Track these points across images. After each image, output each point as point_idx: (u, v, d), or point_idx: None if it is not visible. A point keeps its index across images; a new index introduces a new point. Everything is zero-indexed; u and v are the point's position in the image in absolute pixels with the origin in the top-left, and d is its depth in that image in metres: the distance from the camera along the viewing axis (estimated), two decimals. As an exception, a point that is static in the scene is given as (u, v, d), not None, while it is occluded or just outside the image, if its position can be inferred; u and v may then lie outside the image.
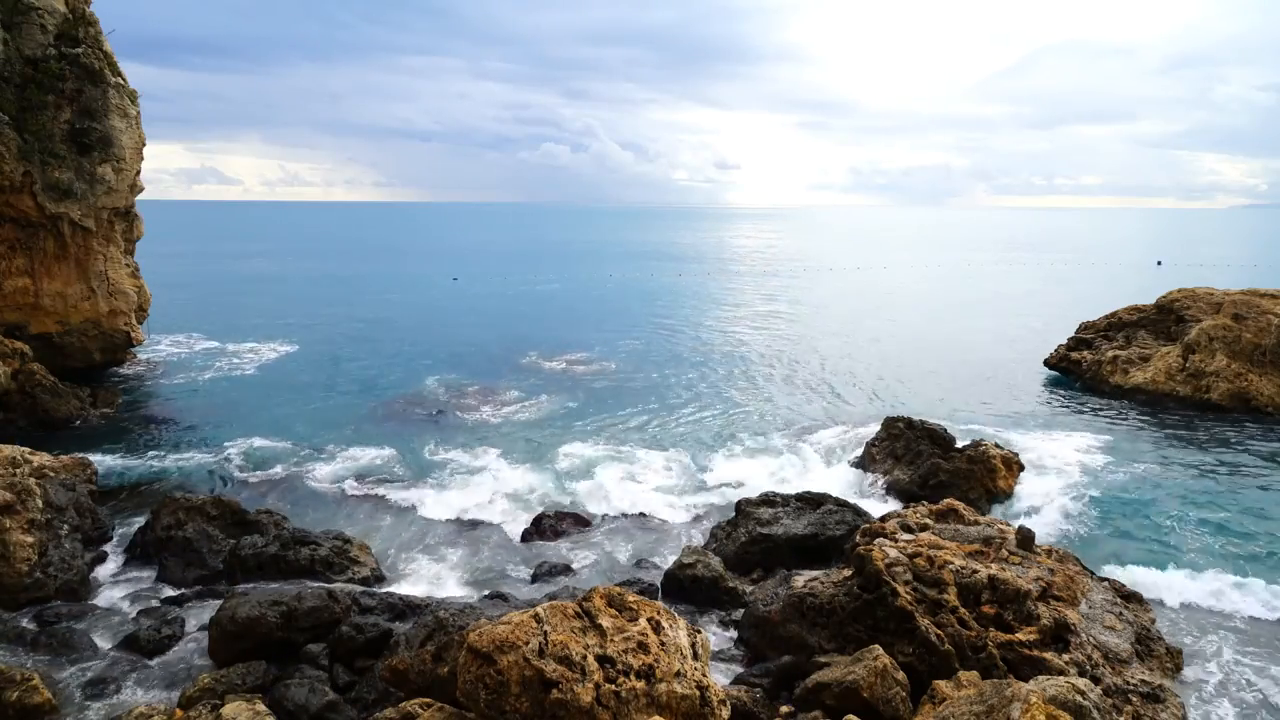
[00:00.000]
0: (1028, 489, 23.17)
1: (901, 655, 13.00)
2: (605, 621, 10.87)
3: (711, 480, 24.82)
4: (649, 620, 11.03)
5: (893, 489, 23.34)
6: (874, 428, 26.69)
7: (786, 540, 19.00)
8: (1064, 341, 39.64)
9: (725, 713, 10.79)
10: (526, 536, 21.14)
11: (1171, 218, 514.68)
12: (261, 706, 12.00)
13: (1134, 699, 12.30)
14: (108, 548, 19.62)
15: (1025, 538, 15.80)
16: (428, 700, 11.31)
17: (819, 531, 19.15)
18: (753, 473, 25.14)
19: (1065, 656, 12.80)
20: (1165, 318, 36.93)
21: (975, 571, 14.08)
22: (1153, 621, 15.15)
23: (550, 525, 21.52)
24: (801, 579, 15.31)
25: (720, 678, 13.60)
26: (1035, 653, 12.78)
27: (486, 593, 17.46)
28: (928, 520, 17.01)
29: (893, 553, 14.46)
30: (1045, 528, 20.37)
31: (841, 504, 20.29)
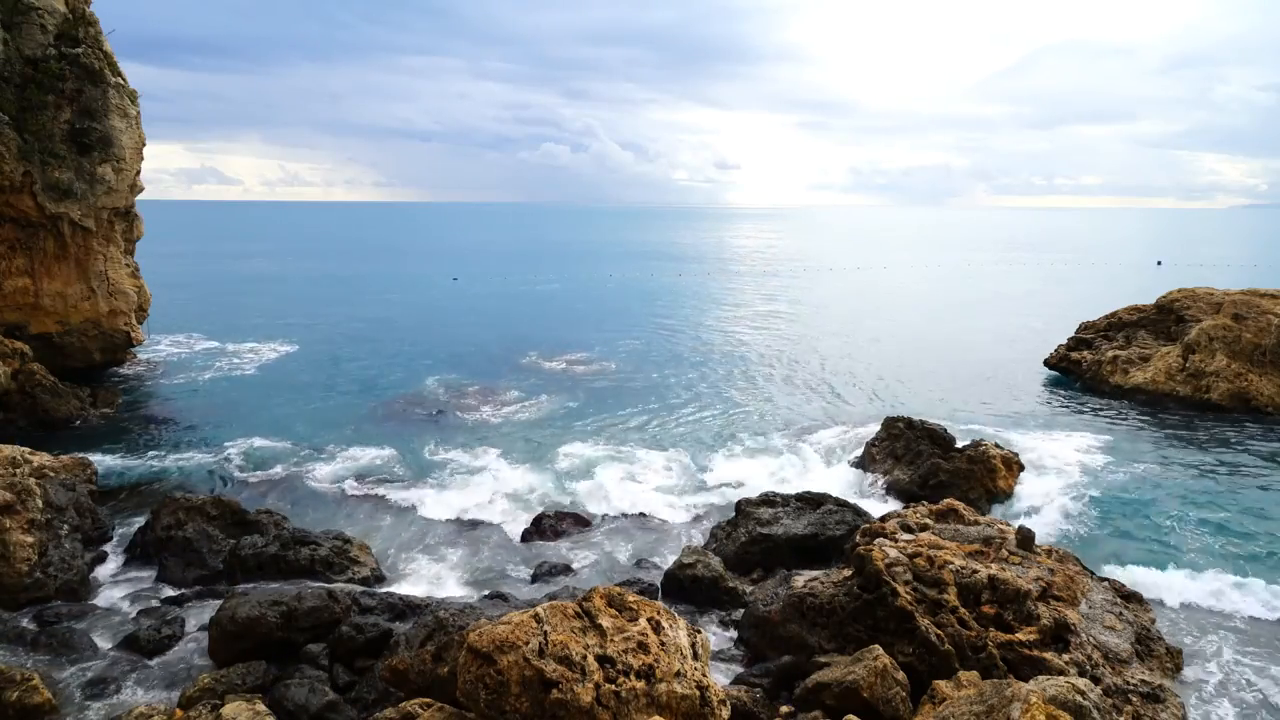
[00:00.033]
0: (1028, 489, 23.17)
1: (901, 655, 13.00)
2: (605, 621, 10.87)
3: (711, 480, 24.82)
4: (649, 620, 11.03)
5: (893, 489, 23.34)
6: (874, 428, 26.69)
7: (786, 540, 19.00)
8: (1064, 341, 39.64)
9: (725, 713, 10.79)
10: (526, 536, 21.15)
11: (1171, 218, 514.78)
12: (261, 706, 12.00)
13: (1134, 699, 12.30)
14: (108, 548, 19.62)
15: (1025, 538, 15.80)
16: (428, 700, 11.31)
17: (819, 531, 19.15)
18: (753, 473, 25.14)
19: (1065, 656, 12.80)
20: (1165, 318, 36.93)
21: (975, 571, 14.08)
22: (1153, 621, 15.15)
23: (550, 525, 21.52)
24: (801, 579, 15.31)
25: (720, 678, 13.60)
26: (1035, 653, 12.78)
27: (486, 593, 17.46)
28: (928, 520, 17.01)
29: (893, 553, 14.46)
30: (1045, 528, 20.37)
31: (841, 504, 20.29)
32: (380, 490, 23.81)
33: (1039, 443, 27.43)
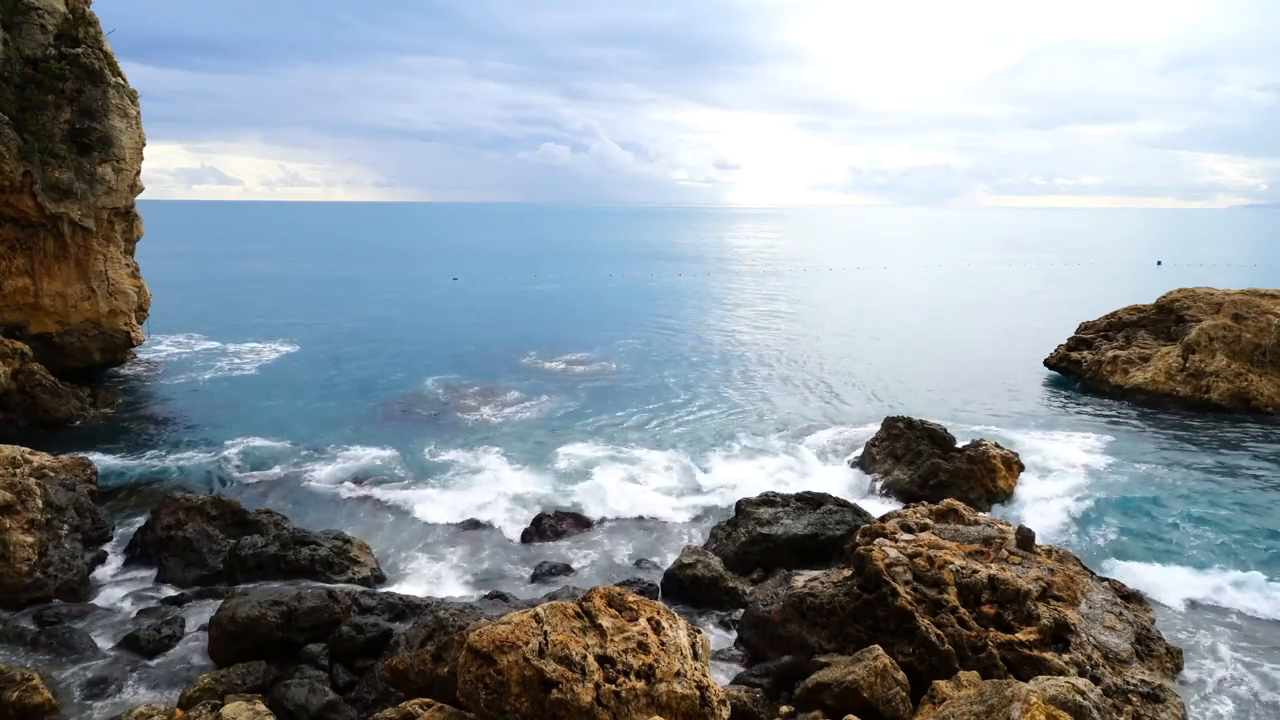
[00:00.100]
0: (1028, 489, 23.17)
1: (901, 655, 12.99)
2: (605, 621, 10.87)
3: (711, 480, 24.81)
4: (649, 620, 11.03)
5: (893, 489, 23.34)
6: (874, 428, 26.68)
7: (786, 540, 19.00)
8: (1064, 341, 39.63)
9: (725, 713, 10.79)
10: (526, 537, 21.15)
11: (1171, 218, 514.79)
12: (261, 706, 11.99)
13: (1134, 699, 12.30)
14: (108, 548, 19.62)
15: (1025, 538, 15.79)
16: (428, 700, 11.31)
17: (819, 531, 19.15)
18: (752, 473, 25.13)
19: (1065, 656, 12.80)
20: (1165, 318, 36.93)
21: (975, 571, 14.07)
22: (1153, 621, 15.14)
23: (550, 525, 21.52)
24: (801, 579, 15.30)
25: (720, 678, 13.60)
26: (1035, 653, 12.77)
27: (486, 593, 17.45)
28: (928, 520, 17.00)
29: (893, 553, 14.46)
30: (1045, 528, 20.37)
31: (841, 504, 20.29)
32: (380, 490, 23.81)
33: (1039, 443, 27.43)
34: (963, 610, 13.51)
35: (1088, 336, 38.79)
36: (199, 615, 16.17)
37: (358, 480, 24.51)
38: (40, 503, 18.06)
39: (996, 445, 23.94)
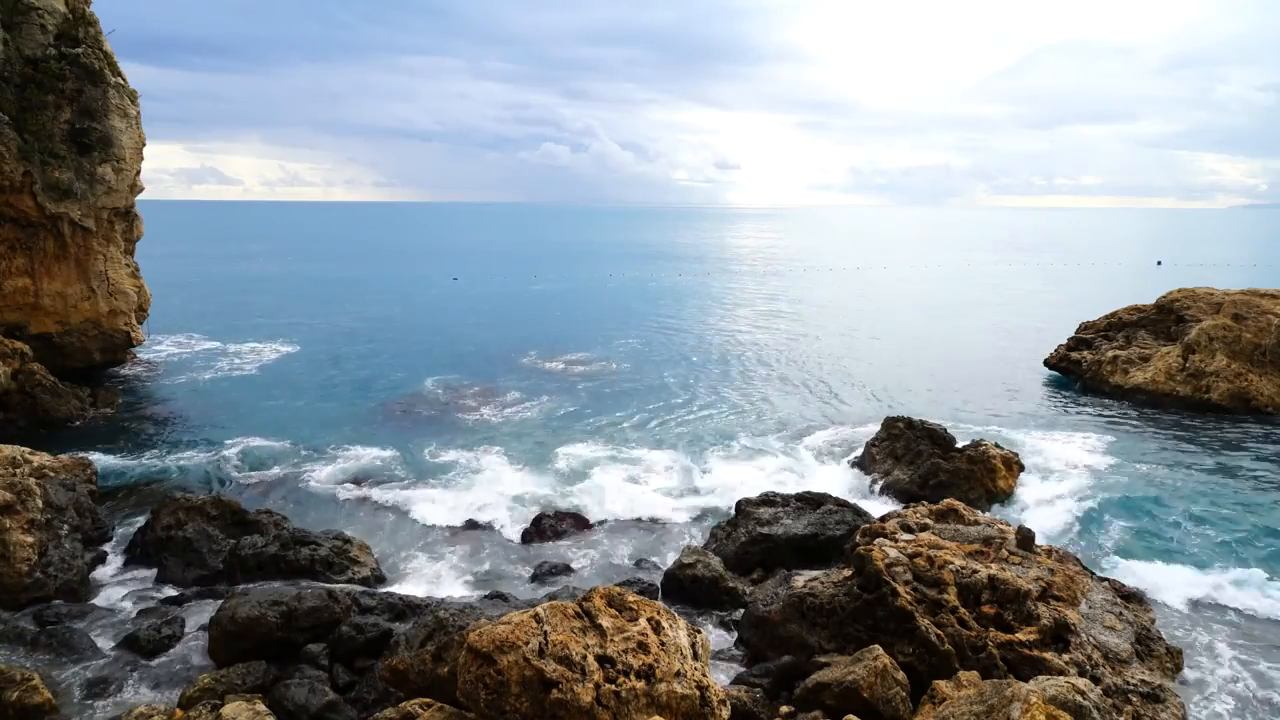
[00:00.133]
0: (1028, 489, 23.18)
1: (901, 655, 12.99)
2: (605, 621, 10.87)
3: (711, 480, 24.80)
4: (649, 620, 11.03)
5: (893, 489, 23.34)
6: (874, 428, 26.68)
7: (786, 540, 19.00)
8: (1064, 341, 39.64)
9: (725, 713, 10.79)
10: (526, 537, 21.15)
11: (1171, 218, 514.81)
12: (261, 706, 11.99)
13: (1134, 699, 12.30)
14: (108, 548, 19.62)
15: (1025, 538, 15.79)
16: (428, 700, 11.31)
17: (819, 531, 19.15)
18: (752, 473, 25.14)
19: (1065, 656, 12.80)
20: (1165, 318, 36.93)
21: (975, 571, 14.07)
22: (1153, 621, 15.14)
23: (550, 525, 21.52)
24: (801, 579, 15.30)
25: (720, 677, 13.60)
26: (1035, 653, 12.77)
27: (486, 593, 17.45)
28: (928, 520, 17.00)
29: (893, 553, 14.46)
30: (1045, 528, 20.37)
31: (841, 504, 20.29)
32: (380, 490, 23.81)
33: (1039, 443, 27.44)
34: (963, 610, 13.51)
35: (1088, 336, 38.79)
36: (199, 615, 16.17)
37: (358, 480, 24.51)
38: (40, 503, 18.06)
39: (996, 445, 23.94)
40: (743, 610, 16.14)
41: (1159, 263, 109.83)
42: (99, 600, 17.39)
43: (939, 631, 13.11)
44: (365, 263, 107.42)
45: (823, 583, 14.87)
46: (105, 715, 13.16)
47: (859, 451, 26.29)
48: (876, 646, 12.75)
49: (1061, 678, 11.12)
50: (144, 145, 34.73)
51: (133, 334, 36.12)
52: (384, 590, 17.33)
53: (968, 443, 24.02)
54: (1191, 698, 13.80)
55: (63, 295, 33.08)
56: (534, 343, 46.59)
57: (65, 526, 18.40)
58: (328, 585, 16.49)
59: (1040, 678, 11.20)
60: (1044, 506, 22.11)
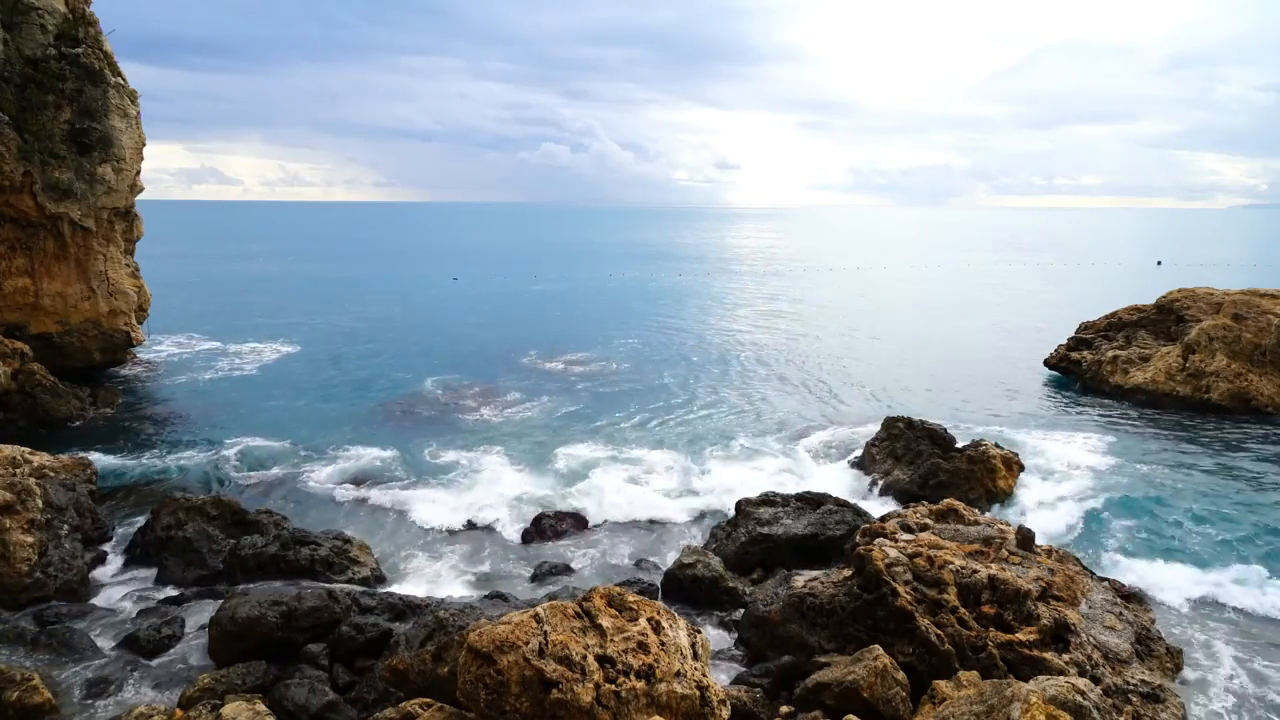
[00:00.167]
0: (1028, 489, 23.17)
1: (901, 655, 13.00)
2: (605, 621, 10.87)
3: (711, 480, 24.79)
4: (649, 620, 11.03)
5: (893, 489, 23.33)
6: (874, 428, 26.68)
7: (786, 540, 19.00)
8: (1064, 341, 39.64)
9: (725, 713, 10.79)
10: (526, 537, 21.15)
11: (1171, 218, 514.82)
12: (261, 706, 12.00)
13: (1134, 699, 12.30)
14: (108, 548, 19.62)
15: (1025, 538, 15.79)
16: (428, 700, 11.31)
17: (819, 531, 19.15)
18: (752, 473, 25.13)
19: (1065, 656, 12.80)
20: (1165, 318, 36.93)
21: (975, 571, 14.07)
22: (1153, 621, 15.15)
23: (550, 525, 21.52)
24: (801, 579, 15.31)
25: (720, 677, 13.60)
26: (1035, 653, 12.77)
27: (486, 593, 17.45)
28: (928, 520, 17.00)
29: (893, 553, 14.46)
30: (1045, 527, 20.37)
31: (841, 504, 20.29)
32: (380, 491, 23.80)
33: (1039, 443, 27.44)
34: (963, 610, 13.51)
35: (1088, 336, 38.79)
36: (199, 615, 16.17)
37: (358, 481, 24.51)
38: (40, 503, 18.06)
39: (996, 445, 23.93)
40: (743, 610, 16.14)
41: (1159, 263, 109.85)
42: (99, 600, 17.39)
43: (939, 631, 13.12)
44: (365, 263, 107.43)
45: (823, 583, 14.87)
46: (105, 715, 13.16)
47: (859, 452, 26.29)
48: (876, 646, 12.75)
49: (1061, 678, 11.12)
50: (144, 145, 34.73)
51: (133, 334, 36.12)
52: (384, 590, 17.33)
53: (968, 443, 24.02)
54: (1192, 697, 13.80)
55: (63, 295, 33.09)
56: (534, 343, 46.60)
57: (65, 526, 18.40)
58: (328, 585, 16.50)
59: (1040, 678, 11.20)
60: (1044, 506, 22.12)
